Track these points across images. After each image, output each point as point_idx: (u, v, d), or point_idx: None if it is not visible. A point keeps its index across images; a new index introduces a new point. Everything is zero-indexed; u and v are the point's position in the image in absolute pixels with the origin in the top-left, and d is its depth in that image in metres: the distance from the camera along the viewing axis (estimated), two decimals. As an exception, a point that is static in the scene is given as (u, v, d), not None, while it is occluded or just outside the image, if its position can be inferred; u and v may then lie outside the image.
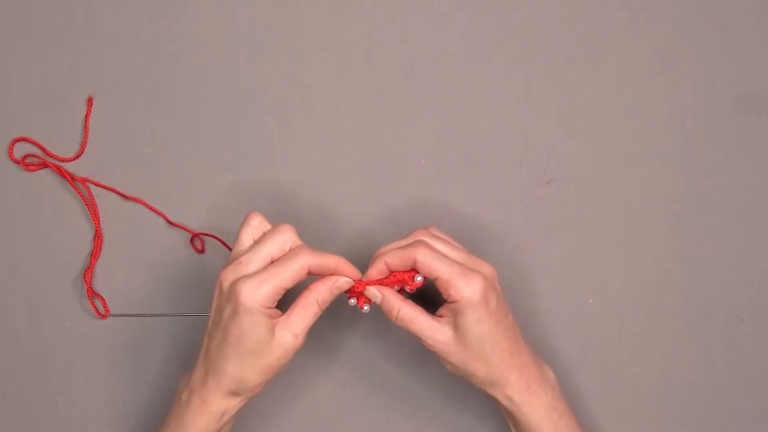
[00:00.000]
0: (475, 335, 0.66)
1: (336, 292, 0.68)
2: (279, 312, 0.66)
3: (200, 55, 0.79)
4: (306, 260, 0.65)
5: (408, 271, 0.67)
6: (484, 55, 0.79)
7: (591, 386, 0.78)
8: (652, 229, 0.78)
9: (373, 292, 0.68)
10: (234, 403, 0.67)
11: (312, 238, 0.78)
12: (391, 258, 0.67)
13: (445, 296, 0.66)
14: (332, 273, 0.67)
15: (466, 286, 0.65)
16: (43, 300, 0.79)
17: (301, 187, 0.79)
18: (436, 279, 0.66)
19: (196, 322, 0.79)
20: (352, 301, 0.69)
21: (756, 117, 0.79)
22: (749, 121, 0.79)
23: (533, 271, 0.78)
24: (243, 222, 0.68)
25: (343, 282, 0.67)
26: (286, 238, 0.66)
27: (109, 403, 0.79)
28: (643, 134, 0.79)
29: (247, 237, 0.68)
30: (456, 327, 0.66)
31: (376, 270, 0.68)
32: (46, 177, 0.79)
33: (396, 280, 0.68)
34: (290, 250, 0.66)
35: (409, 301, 0.68)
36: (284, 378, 0.77)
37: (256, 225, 0.68)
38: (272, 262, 0.65)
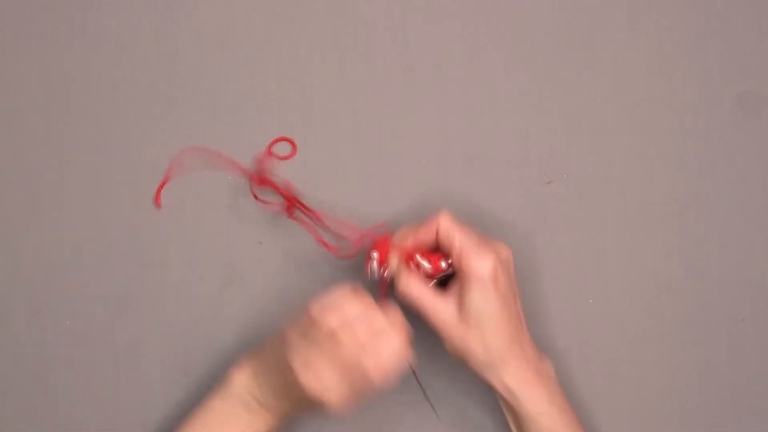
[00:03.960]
0: (477, 313, 0.66)
1: None
2: None
3: (200, 55, 0.79)
4: None
5: (433, 252, 0.69)
6: (484, 54, 0.79)
7: (591, 386, 0.78)
8: (652, 229, 0.78)
9: (393, 263, 0.70)
10: None
11: (310, 238, 0.78)
12: (417, 231, 0.69)
13: (455, 268, 0.67)
14: None
15: (478, 260, 0.66)
16: (43, 300, 0.79)
17: (301, 186, 0.78)
18: (452, 249, 0.67)
19: (195, 322, 0.79)
20: (375, 253, 0.70)
21: (756, 116, 0.79)
22: (749, 120, 0.79)
23: (533, 271, 0.78)
24: None
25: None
26: None
27: (109, 403, 0.79)
28: (643, 134, 0.79)
29: None
30: (460, 304, 0.67)
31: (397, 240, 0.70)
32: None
33: (424, 257, 0.69)
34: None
35: (419, 277, 0.69)
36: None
37: None
38: None
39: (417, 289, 0.68)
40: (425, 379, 0.76)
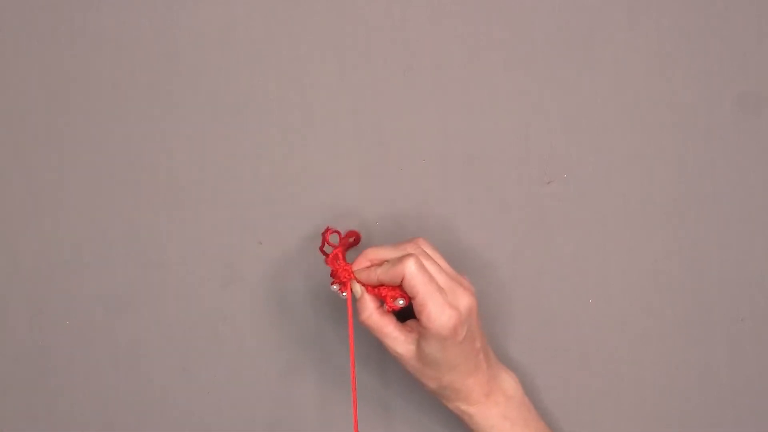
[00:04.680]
0: (434, 359, 0.67)
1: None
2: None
3: (200, 55, 0.79)
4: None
5: (393, 289, 0.68)
6: (483, 54, 0.79)
7: (591, 386, 0.78)
8: (652, 229, 0.78)
9: (356, 288, 0.69)
10: None
11: (311, 237, 0.78)
12: (382, 272, 0.68)
13: (416, 316, 0.67)
14: None
15: (439, 317, 0.65)
16: (43, 300, 0.79)
17: (301, 186, 0.78)
18: (414, 299, 0.66)
19: (195, 322, 0.79)
20: (335, 287, 0.70)
21: (756, 116, 0.79)
22: (749, 120, 0.79)
23: (533, 271, 0.78)
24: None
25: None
26: None
27: (109, 403, 0.79)
28: (643, 134, 0.78)
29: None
30: (418, 346, 0.68)
31: (359, 264, 0.69)
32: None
33: (380, 293, 0.69)
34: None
35: (382, 309, 0.69)
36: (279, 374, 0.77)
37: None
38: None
39: (379, 320, 0.69)
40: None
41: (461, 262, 0.77)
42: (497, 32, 0.79)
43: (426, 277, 0.66)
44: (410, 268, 0.66)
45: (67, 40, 0.79)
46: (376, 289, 0.69)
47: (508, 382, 0.72)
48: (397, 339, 0.69)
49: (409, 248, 0.68)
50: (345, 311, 0.78)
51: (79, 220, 0.79)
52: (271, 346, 0.79)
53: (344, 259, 0.70)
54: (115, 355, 0.79)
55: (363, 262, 0.69)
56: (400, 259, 0.67)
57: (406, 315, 0.70)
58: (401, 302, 0.68)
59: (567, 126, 0.79)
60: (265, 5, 0.79)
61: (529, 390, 0.74)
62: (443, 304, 0.66)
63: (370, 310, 0.69)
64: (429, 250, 0.69)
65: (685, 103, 0.78)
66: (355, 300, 0.70)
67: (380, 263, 0.68)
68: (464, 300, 0.67)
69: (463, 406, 0.70)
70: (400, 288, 0.67)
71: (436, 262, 0.68)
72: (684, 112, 0.79)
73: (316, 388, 0.78)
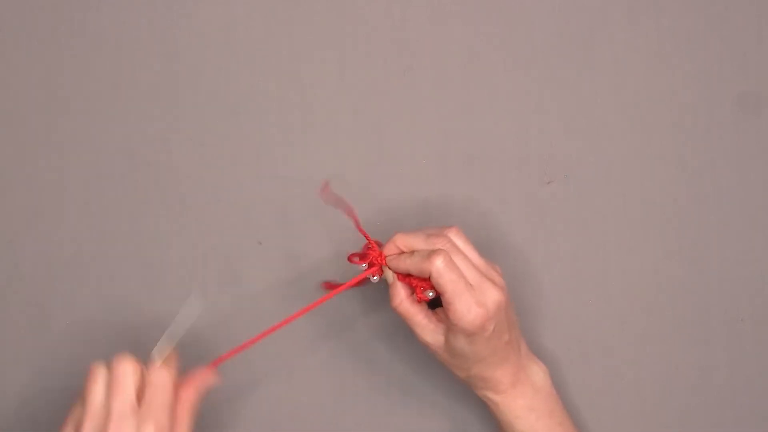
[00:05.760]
0: (462, 353, 0.67)
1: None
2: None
3: (199, 55, 0.79)
4: None
5: (423, 279, 0.68)
6: (483, 54, 0.79)
7: (591, 386, 0.78)
8: (652, 229, 0.78)
9: (388, 274, 0.69)
10: None
11: (310, 238, 0.78)
12: (411, 263, 0.67)
13: (445, 310, 0.67)
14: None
15: (466, 315, 0.65)
16: (43, 300, 0.79)
17: (301, 186, 0.78)
18: (443, 295, 0.66)
19: (195, 322, 0.79)
20: (365, 265, 0.70)
21: (756, 116, 0.79)
22: (749, 120, 0.79)
23: (533, 271, 0.78)
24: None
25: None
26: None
27: (109, 403, 0.79)
28: (643, 134, 0.79)
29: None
30: (447, 338, 0.68)
31: (389, 250, 0.69)
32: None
33: (410, 282, 0.68)
34: None
35: (413, 297, 0.69)
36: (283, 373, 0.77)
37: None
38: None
39: (410, 308, 0.69)
40: (426, 378, 0.76)
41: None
42: (497, 32, 0.79)
43: (454, 274, 0.66)
44: (438, 265, 0.66)
45: (67, 40, 0.79)
46: (406, 278, 0.68)
47: (537, 374, 0.71)
48: (427, 328, 0.68)
49: (439, 243, 0.68)
50: (345, 311, 0.78)
51: (79, 220, 0.79)
52: (271, 346, 0.79)
53: (377, 244, 0.70)
54: (115, 355, 0.79)
55: (392, 248, 0.69)
56: (429, 255, 0.66)
57: (438, 302, 0.70)
58: (431, 294, 0.67)
59: (567, 126, 0.79)
60: (265, 5, 0.79)
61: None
62: (470, 301, 0.65)
63: (401, 297, 0.69)
64: (461, 242, 0.69)
65: (685, 103, 0.79)
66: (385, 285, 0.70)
67: (410, 252, 0.68)
68: (493, 296, 0.66)
69: (490, 395, 0.70)
70: (429, 279, 0.67)
71: (466, 256, 0.68)
72: (684, 112, 0.79)
73: (317, 388, 0.78)
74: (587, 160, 0.79)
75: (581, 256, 0.78)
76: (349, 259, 0.71)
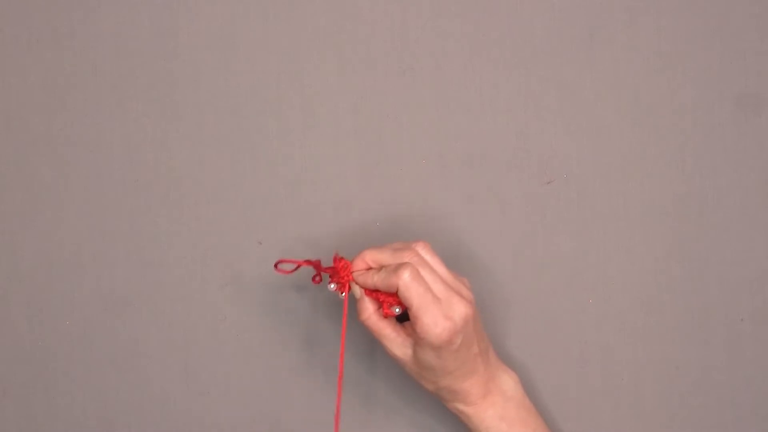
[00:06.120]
0: (430, 364, 0.67)
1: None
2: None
3: (199, 55, 0.79)
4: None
5: (390, 295, 0.68)
6: (483, 54, 0.79)
7: (591, 386, 0.78)
8: (652, 229, 0.78)
9: (355, 289, 0.70)
10: None
11: (311, 237, 0.78)
12: (378, 279, 0.68)
13: (412, 324, 0.67)
14: None
15: (433, 329, 0.65)
16: (43, 300, 0.79)
17: (301, 186, 0.78)
18: (408, 308, 0.66)
19: (195, 322, 0.79)
20: (332, 286, 0.70)
21: (756, 117, 0.79)
22: (749, 121, 0.79)
23: (533, 271, 0.78)
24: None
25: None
26: None
27: (109, 403, 0.79)
28: (643, 134, 0.78)
29: None
30: (415, 352, 0.68)
31: (357, 266, 0.70)
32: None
33: (377, 298, 0.69)
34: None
35: (379, 312, 0.69)
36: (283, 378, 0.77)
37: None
38: None
39: (377, 322, 0.69)
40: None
41: (461, 263, 0.77)
42: (497, 32, 0.79)
43: (421, 288, 0.66)
44: (405, 279, 0.66)
45: (67, 40, 0.79)
46: (373, 293, 0.69)
47: (507, 383, 0.72)
48: (395, 342, 0.69)
49: (406, 256, 0.68)
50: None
51: (79, 220, 0.79)
52: (271, 346, 0.79)
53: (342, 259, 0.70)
54: (115, 355, 0.79)
55: (360, 264, 0.69)
56: (396, 269, 0.66)
57: (406, 315, 0.70)
58: (397, 310, 0.68)
59: (567, 126, 0.79)
60: (265, 5, 0.79)
61: (528, 390, 0.74)
62: (437, 315, 0.65)
63: (369, 311, 0.69)
64: (428, 256, 0.69)
65: (685, 103, 0.78)
66: (354, 300, 0.70)
67: (378, 268, 0.69)
68: (460, 309, 0.66)
69: (461, 407, 0.70)
70: (397, 294, 0.67)
71: (434, 270, 0.68)
72: (684, 112, 0.79)
73: (316, 388, 0.78)
74: (587, 160, 0.78)
75: (581, 256, 0.78)
76: (314, 277, 0.71)
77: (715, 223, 0.78)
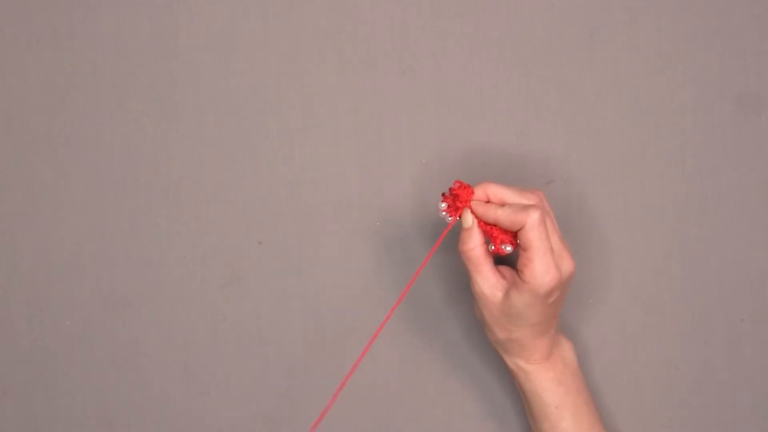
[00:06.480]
0: (518, 312, 0.67)
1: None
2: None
3: (199, 55, 0.79)
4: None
5: (505, 232, 0.67)
6: (483, 54, 0.79)
7: (591, 386, 0.78)
8: (652, 229, 0.78)
9: (467, 218, 0.68)
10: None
11: (311, 237, 0.78)
12: (503, 214, 0.67)
13: (518, 266, 0.66)
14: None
15: (542, 276, 0.65)
16: (43, 300, 0.79)
17: (301, 186, 0.79)
18: (525, 251, 0.66)
19: (195, 322, 0.79)
20: (444, 205, 0.69)
21: (756, 117, 0.79)
22: (749, 121, 0.79)
23: (533, 271, 0.78)
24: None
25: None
26: None
27: (109, 403, 0.79)
28: (643, 134, 0.79)
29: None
30: (508, 295, 0.67)
31: (478, 195, 0.68)
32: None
33: (491, 233, 0.67)
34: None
35: (486, 246, 0.68)
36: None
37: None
38: None
39: (479, 255, 0.68)
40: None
41: (461, 262, 0.77)
42: (497, 32, 0.79)
43: (544, 234, 0.66)
44: (534, 219, 0.65)
45: (67, 40, 0.79)
46: (488, 226, 0.68)
47: (568, 352, 0.72)
48: (489, 280, 0.68)
49: (533, 199, 0.68)
50: (345, 310, 0.78)
51: (79, 220, 0.79)
52: (271, 346, 0.79)
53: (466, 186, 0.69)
54: (115, 355, 0.79)
55: (481, 194, 0.68)
56: (525, 208, 0.66)
57: (499, 259, 0.69)
58: (509, 248, 0.67)
59: (567, 126, 0.79)
60: (265, 5, 0.79)
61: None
62: (550, 263, 0.66)
63: (476, 242, 0.68)
64: (548, 207, 0.69)
65: (685, 103, 0.79)
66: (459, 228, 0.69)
67: (500, 203, 0.68)
68: (568, 265, 0.67)
69: (522, 363, 0.70)
70: (511, 234, 0.67)
71: (552, 221, 0.68)
72: (684, 112, 0.79)
73: (317, 388, 0.78)
74: (587, 160, 0.79)
75: (581, 256, 0.78)
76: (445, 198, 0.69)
77: (715, 223, 0.78)
